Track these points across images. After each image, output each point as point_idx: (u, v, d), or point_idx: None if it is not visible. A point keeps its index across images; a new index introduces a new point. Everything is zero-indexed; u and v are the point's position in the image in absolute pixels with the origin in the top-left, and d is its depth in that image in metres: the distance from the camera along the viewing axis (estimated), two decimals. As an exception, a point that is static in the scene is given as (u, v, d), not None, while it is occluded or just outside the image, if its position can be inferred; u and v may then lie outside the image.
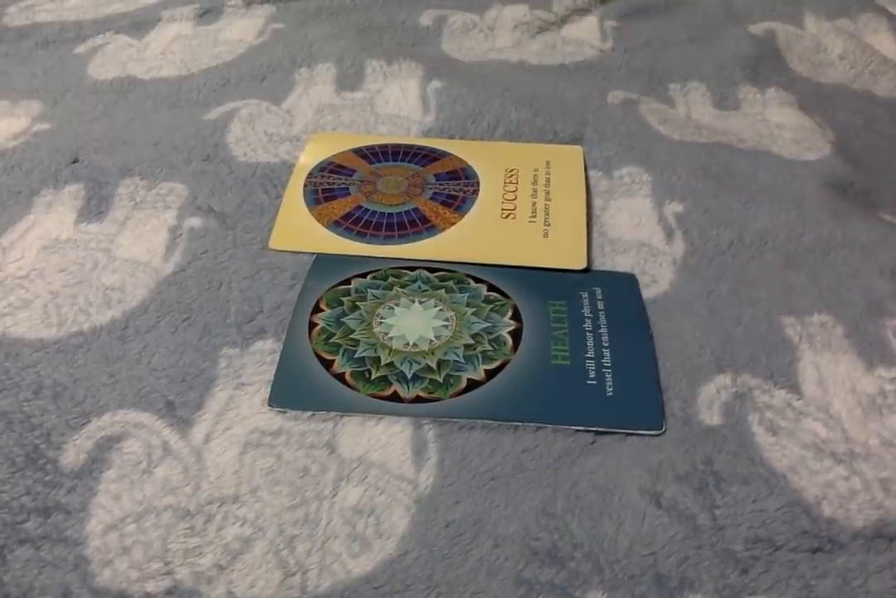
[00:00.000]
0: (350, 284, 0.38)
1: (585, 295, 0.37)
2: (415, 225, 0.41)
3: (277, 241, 0.40)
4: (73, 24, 0.62)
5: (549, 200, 0.43)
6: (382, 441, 0.31)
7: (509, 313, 0.36)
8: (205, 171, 0.45)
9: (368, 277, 0.38)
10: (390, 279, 0.38)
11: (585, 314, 0.36)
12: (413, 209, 0.42)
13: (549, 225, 0.41)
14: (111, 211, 0.42)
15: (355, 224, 0.41)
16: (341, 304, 0.37)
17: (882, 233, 0.40)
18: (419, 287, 0.38)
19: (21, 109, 0.52)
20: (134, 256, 0.40)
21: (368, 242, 0.40)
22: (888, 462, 0.30)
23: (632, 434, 0.31)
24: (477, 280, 0.38)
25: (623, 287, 0.38)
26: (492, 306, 0.37)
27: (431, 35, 0.59)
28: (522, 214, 0.42)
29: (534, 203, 0.42)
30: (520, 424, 0.32)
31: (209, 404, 0.33)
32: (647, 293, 0.37)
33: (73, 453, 0.31)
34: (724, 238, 0.40)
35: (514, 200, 0.43)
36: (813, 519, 0.28)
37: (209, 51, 0.58)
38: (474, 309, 0.36)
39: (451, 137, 0.48)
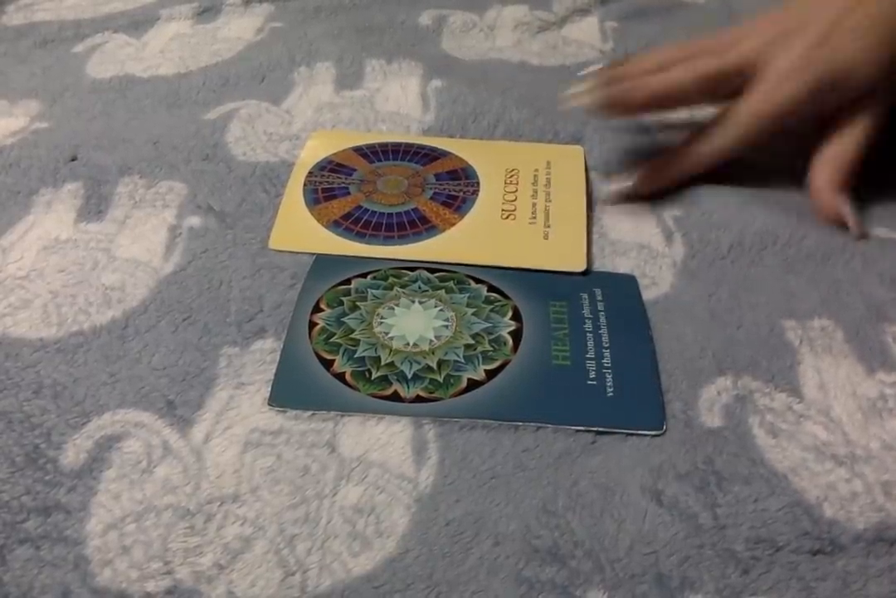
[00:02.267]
0: (350, 284, 0.38)
1: (586, 296, 0.37)
2: (415, 226, 0.41)
3: (277, 241, 0.40)
4: (71, 24, 0.61)
5: (550, 201, 0.43)
6: (383, 441, 0.31)
7: (509, 314, 0.36)
8: (204, 170, 0.45)
9: (369, 277, 0.38)
10: (390, 279, 0.38)
11: (586, 315, 0.36)
12: (413, 209, 0.42)
13: (549, 227, 0.41)
14: (110, 210, 0.42)
15: (355, 224, 0.41)
16: (341, 304, 0.37)
17: (880, 241, 0.40)
18: (419, 287, 0.38)
19: (19, 109, 0.52)
20: (134, 255, 0.40)
21: (368, 243, 0.40)
22: (889, 466, 0.30)
23: (632, 434, 0.31)
24: (477, 281, 0.38)
25: (623, 288, 0.38)
26: (492, 306, 0.37)
27: (431, 34, 0.59)
28: (522, 215, 0.42)
29: (534, 204, 0.42)
30: (520, 424, 0.32)
31: (209, 403, 0.33)
32: (648, 295, 0.37)
33: (73, 453, 0.31)
34: (724, 242, 0.40)
35: (514, 200, 0.43)
36: (814, 520, 0.28)
37: (208, 49, 0.58)
38: (474, 309, 0.36)
39: (451, 136, 0.48)
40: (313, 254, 0.39)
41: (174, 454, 0.31)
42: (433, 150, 0.46)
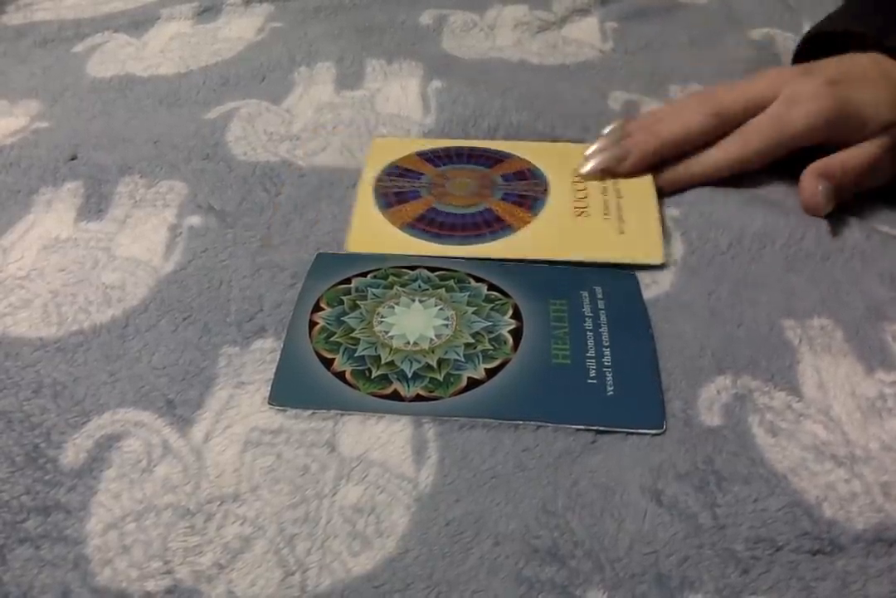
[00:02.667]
0: (350, 283, 0.38)
1: (586, 294, 0.37)
2: (490, 225, 0.41)
3: (355, 243, 0.40)
4: (71, 23, 0.61)
5: (621, 196, 0.43)
6: (383, 440, 0.31)
7: (510, 312, 0.36)
8: (204, 169, 0.45)
9: (368, 276, 0.38)
10: (390, 278, 0.38)
11: (586, 313, 0.36)
12: (486, 210, 0.42)
13: (623, 221, 0.41)
14: (111, 209, 0.42)
15: (430, 226, 0.41)
16: (341, 303, 0.37)
17: (881, 240, 0.40)
18: (419, 286, 0.38)
19: (19, 109, 0.52)
20: (134, 254, 0.40)
21: (446, 243, 0.40)
22: (888, 466, 0.30)
23: (632, 433, 0.31)
24: (477, 279, 0.38)
25: (624, 286, 0.38)
26: (492, 305, 0.37)
27: (431, 34, 0.59)
28: (595, 211, 0.42)
29: (605, 201, 0.43)
30: (520, 423, 0.32)
31: (209, 402, 0.33)
32: (648, 294, 0.37)
33: (72, 452, 0.31)
34: (724, 241, 0.40)
35: (585, 198, 0.43)
36: (814, 520, 0.28)
37: (208, 48, 0.58)
38: (475, 308, 0.36)
39: (452, 137, 0.48)
40: (392, 255, 0.40)
41: (174, 454, 0.31)
42: (496, 153, 0.47)
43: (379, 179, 0.45)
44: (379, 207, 0.43)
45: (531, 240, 0.40)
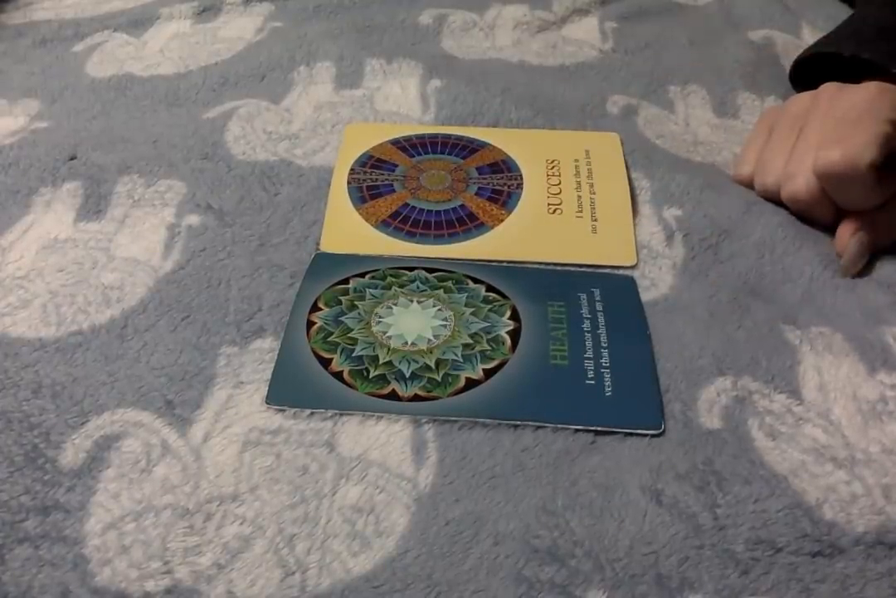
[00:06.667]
0: (348, 283, 0.38)
1: (584, 296, 0.37)
2: (464, 223, 0.41)
3: (328, 243, 0.40)
4: (70, 22, 0.61)
5: (594, 193, 0.43)
6: (382, 440, 0.31)
7: (508, 313, 0.36)
8: (203, 168, 0.45)
9: (367, 276, 0.38)
10: (389, 279, 0.38)
11: (584, 315, 0.36)
12: (460, 206, 0.42)
13: (595, 220, 0.41)
14: (110, 209, 0.42)
15: (404, 223, 0.41)
16: (339, 303, 0.37)
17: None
18: (417, 287, 0.38)
19: (18, 108, 0.51)
20: (133, 254, 0.39)
21: (420, 243, 0.40)
22: (889, 469, 0.30)
23: (631, 434, 0.31)
24: (476, 281, 0.38)
25: (621, 289, 0.38)
26: (490, 306, 0.37)
27: (431, 34, 0.59)
28: (569, 209, 0.42)
29: (579, 197, 0.42)
30: (519, 423, 0.32)
31: (208, 402, 0.33)
32: (648, 296, 0.37)
33: (72, 452, 0.31)
34: (724, 246, 0.40)
35: (558, 194, 0.43)
36: (815, 522, 0.28)
37: (207, 48, 0.57)
38: (473, 309, 0.36)
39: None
40: (366, 256, 0.39)
41: (173, 454, 0.31)
42: (471, 141, 0.46)
43: (353, 171, 0.44)
44: (353, 204, 0.42)
45: (504, 240, 0.40)
